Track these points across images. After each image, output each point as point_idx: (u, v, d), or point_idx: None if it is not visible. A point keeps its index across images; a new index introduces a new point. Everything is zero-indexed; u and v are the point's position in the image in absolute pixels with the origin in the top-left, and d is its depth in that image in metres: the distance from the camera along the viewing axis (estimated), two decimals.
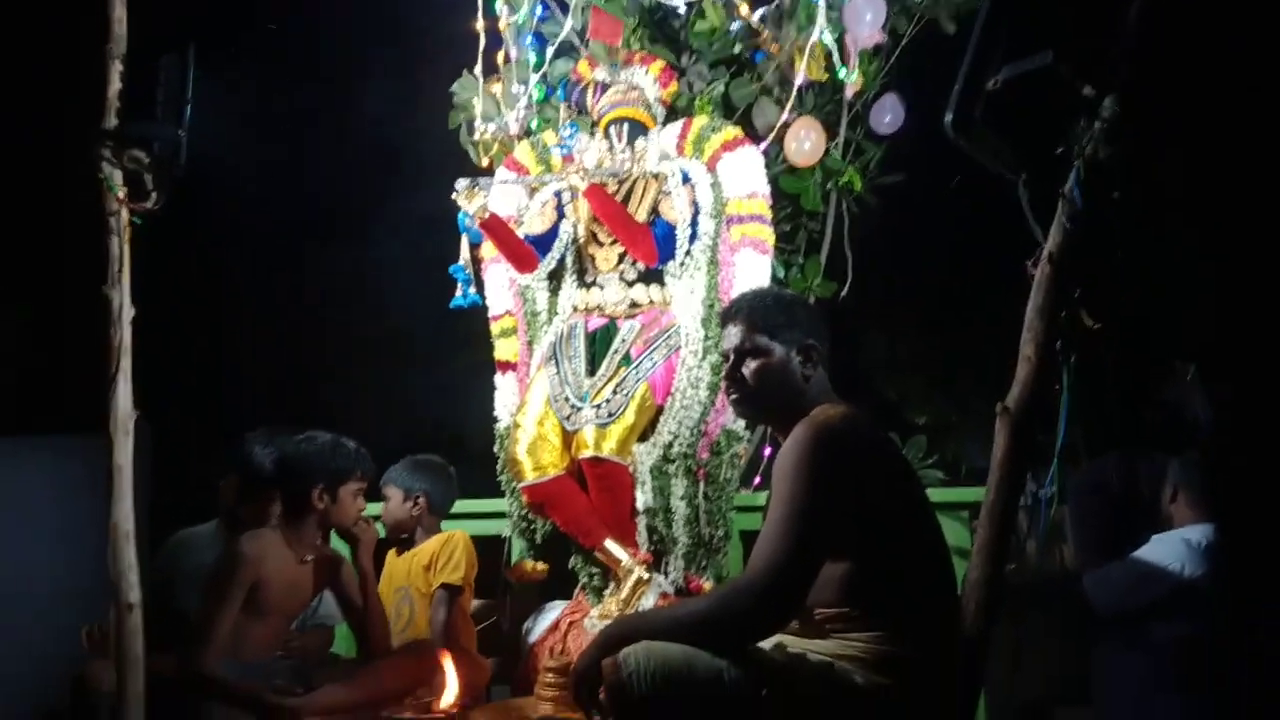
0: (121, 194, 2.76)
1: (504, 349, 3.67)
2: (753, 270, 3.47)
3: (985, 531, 2.11)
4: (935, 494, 3.34)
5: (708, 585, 3.10)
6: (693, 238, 3.46)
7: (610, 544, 3.16)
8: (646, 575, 3.10)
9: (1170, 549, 2.86)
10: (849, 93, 3.80)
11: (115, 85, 2.82)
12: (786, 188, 3.93)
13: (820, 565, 1.94)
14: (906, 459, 2.29)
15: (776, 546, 1.91)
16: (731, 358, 2.21)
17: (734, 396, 2.22)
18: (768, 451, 3.67)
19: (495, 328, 3.69)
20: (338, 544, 2.90)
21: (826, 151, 3.89)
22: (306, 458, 2.70)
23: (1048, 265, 2.15)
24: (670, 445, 3.26)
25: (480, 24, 3.86)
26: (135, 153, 2.78)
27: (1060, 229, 2.15)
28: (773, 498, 2.02)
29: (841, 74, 3.65)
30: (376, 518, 3.24)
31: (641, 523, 3.20)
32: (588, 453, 3.18)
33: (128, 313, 2.72)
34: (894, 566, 1.96)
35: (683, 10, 3.83)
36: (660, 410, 3.32)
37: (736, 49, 3.88)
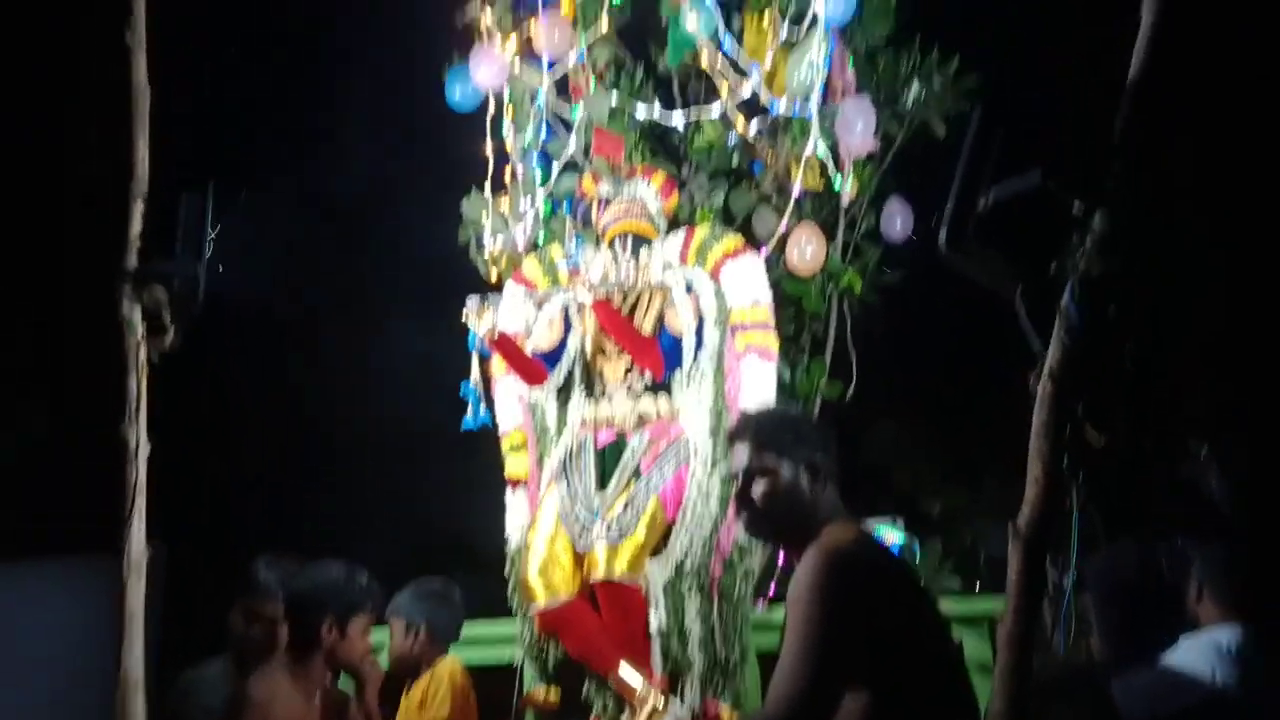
0: (141, 332, 2.82)
1: (514, 465, 3.66)
2: (758, 377, 3.49)
3: (1005, 657, 2.06)
4: (954, 604, 3.28)
5: (725, 710, 3.02)
6: (698, 347, 3.49)
7: (625, 669, 3.08)
8: (663, 703, 3.02)
9: (1200, 654, 2.77)
10: (845, 199, 3.88)
11: (137, 224, 2.91)
12: (789, 291, 3.98)
13: (839, 696, 1.88)
14: (919, 580, 2.24)
15: (793, 680, 1.86)
16: (740, 478, 2.19)
17: (744, 517, 2.19)
18: (782, 558, 3.61)
19: (505, 443, 3.69)
20: (345, 682, 2.83)
21: (826, 254, 3.96)
22: (316, 588, 2.65)
23: (1049, 382, 2.16)
24: (683, 561, 3.22)
25: (489, 146, 3.98)
26: (155, 290, 2.85)
27: (1059, 345, 2.16)
28: (787, 627, 1.97)
29: (837, 184, 3.74)
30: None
31: (656, 645, 3.14)
32: (599, 574, 3.14)
33: (144, 451, 2.75)
34: (912, 695, 1.90)
35: (681, 127, 3.96)
36: (672, 525, 3.29)
37: (734, 161, 3.99)
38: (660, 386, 3.48)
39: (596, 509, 3.28)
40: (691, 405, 3.48)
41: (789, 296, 3.98)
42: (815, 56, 3.51)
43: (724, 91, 3.71)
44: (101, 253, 2.91)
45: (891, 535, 4.49)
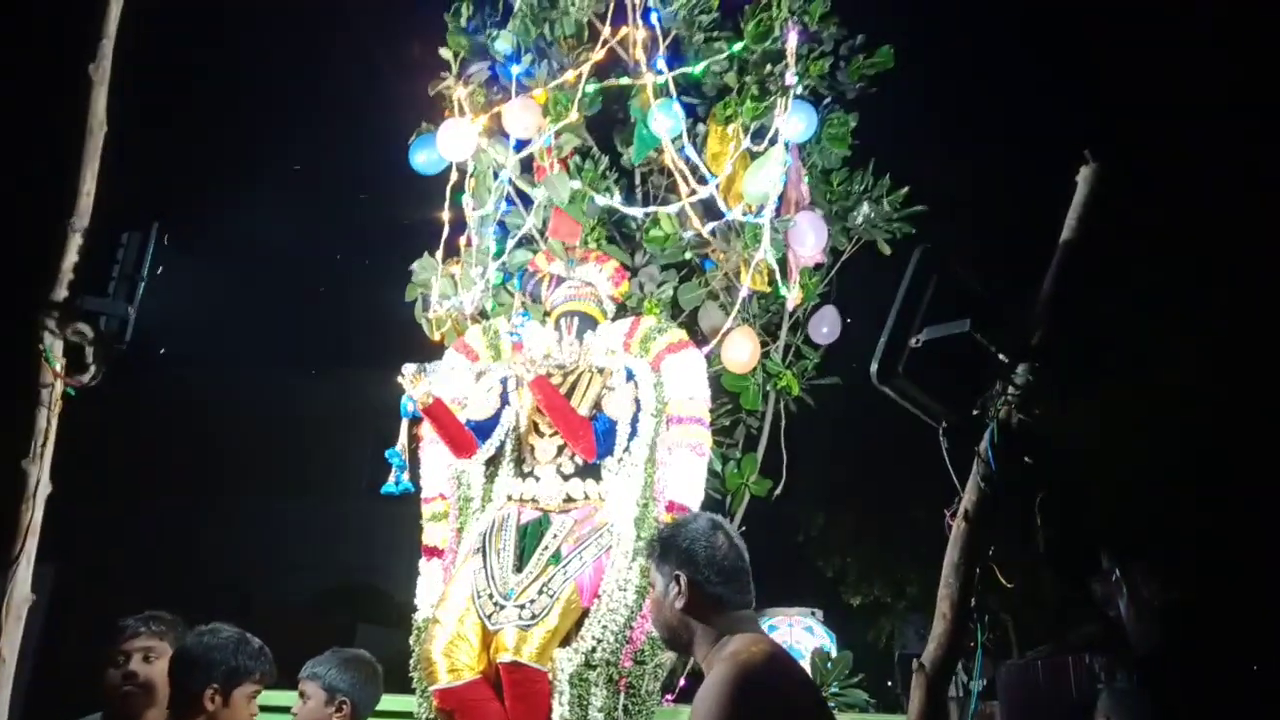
0: (59, 367, 2.71)
1: (433, 534, 3.58)
2: (689, 471, 3.49)
3: None
4: None
5: None
6: (632, 435, 3.48)
7: None
8: None
9: None
10: (790, 304, 3.96)
11: (72, 257, 2.82)
12: (728, 386, 4.02)
13: None
14: (823, 699, 2.22)
15: None
16: None
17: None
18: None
19: (426, 511, 3.61)
20: None
21: (767, 355, 4.02)
22: (205, 652, 2.51)
23: (963, 522, 2.19)
24: (593, 651, 3.14)
25: (446, 214, 3.97)
26: (80, 327, 2.75)
27: (975, 488, 2.20)
28: None
29: (783, 291, 3.81)
30: (280, 710, 3.01)
31: None
32: (507, 656, 3.05)
33: (44, 490, 2.61)
34: None
35: (640, 217, 4.01)
36: (586, 613, 3.22)
37: (687, 255, 4.05)
38: (590, 470, 3.45)
39: (511, 590, 3.20)
40: (619, 492, 3.45)
41: (728, 391, 4.02)
42: (774, 170, 3.60)
43: (683, 191, 3.78)
44: (29, 283, 2.81)
45: (813, 636, 4.46)
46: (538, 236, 3.98)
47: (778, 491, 4.15)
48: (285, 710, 2.99)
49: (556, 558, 3.26)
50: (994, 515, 2.22)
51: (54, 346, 2.74)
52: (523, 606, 3.13)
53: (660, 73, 3.72)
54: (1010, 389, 2.20)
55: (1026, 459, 2.18)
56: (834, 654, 3.99)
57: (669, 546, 2.11)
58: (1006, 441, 2.21)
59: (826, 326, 3.97)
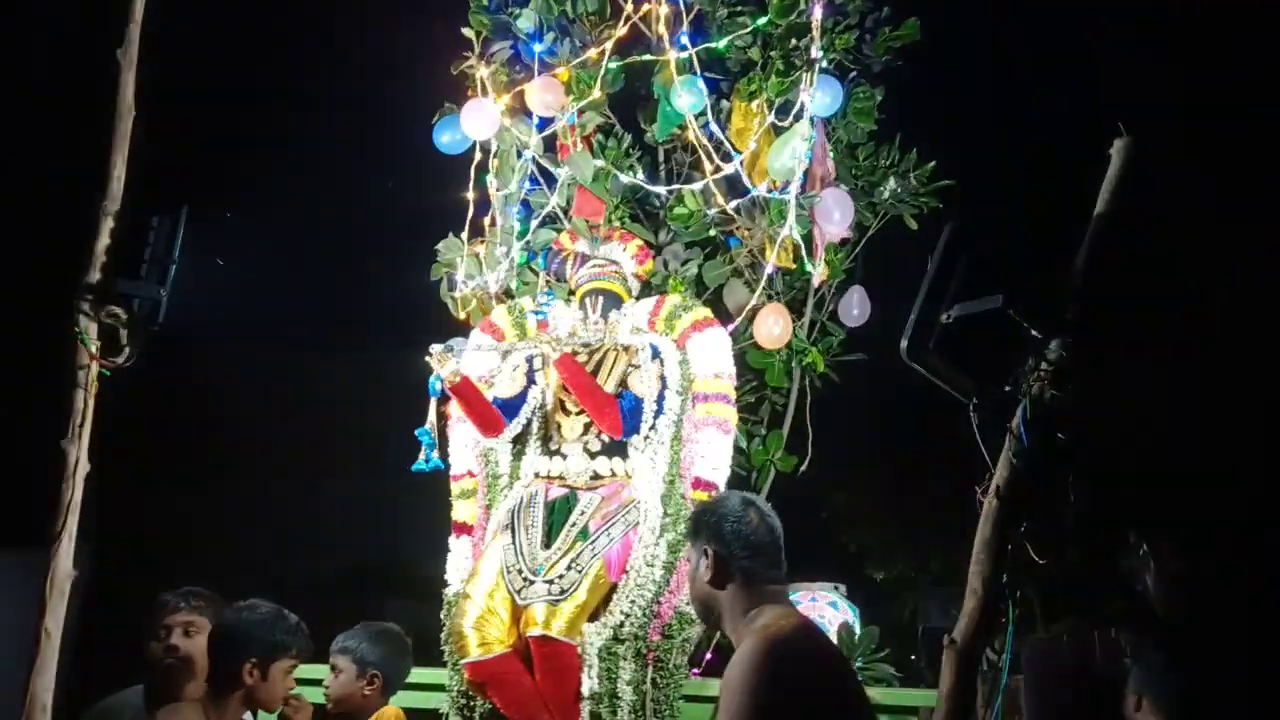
0: (94, 349, 2.74)
1: (462, 510, 3.60)
2: (715, 448, 3.49)
3: None
4: (887, 695, 3.26)
5: None
6: (658, 413, 3.48)
7: None
8: None
9: None
10: (815, 281, 3.93)
11: (104, 240, 2.84)
12: (753, 363, 4.01)
13: None
14: (851, 672, 2.24)
15: None
16: None
17: None
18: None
19: (455, 488, 3.63)
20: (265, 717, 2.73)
21: (792, 333, 3.99)
22: (243, 627, 2.57)
23: (994, 499, 2.17)
24: (621, 625, 3.17)
25: (470, 194, 3.97)
26: (114, 309, 2.78)
27: (1007, 464, 2.18)
28: (720, 710, 1.96)
29: (808, 267, 3.78)
30: (312, 684, 3.06)
31: (585, 708, 3.07)
32: (536, 630, 3.08)
33: (82, 469, 2.66)
34: None
35: (664, 194, 3.98)
36: (614, 588, 3.25)
37: (711, 232, 4.02)
38: (616, 448, 3.46)
39: (540, 565, 3.22)
40: (646, 469, 3.46)
41: (753, 368, 4.00)
42: (799, 145, 3.56)
43: (707, 168, 3.74)
44: (64, 266, 2.84)
45: (837, 611, 4.46)
46: (562, 215, 3.96)
47: (803, 468, 4.14)
48: (318, 683, 3.05)
49: (584, 534, 3.27)
50: (1026, 492, 2.20)
51: (89, 329, 2.77)
52: (551, 582, 3.16)
53: (683, 49, 3.67)
54: (1043, 364, 2.17)
55: (1060, 435, 2.15)
56: (858, 629, 4.01)
57: (701, 523, 2.17)
58: (1039, 417, 2.18)
59: (856, 309, 3.94)
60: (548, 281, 3.97)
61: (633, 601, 3.21)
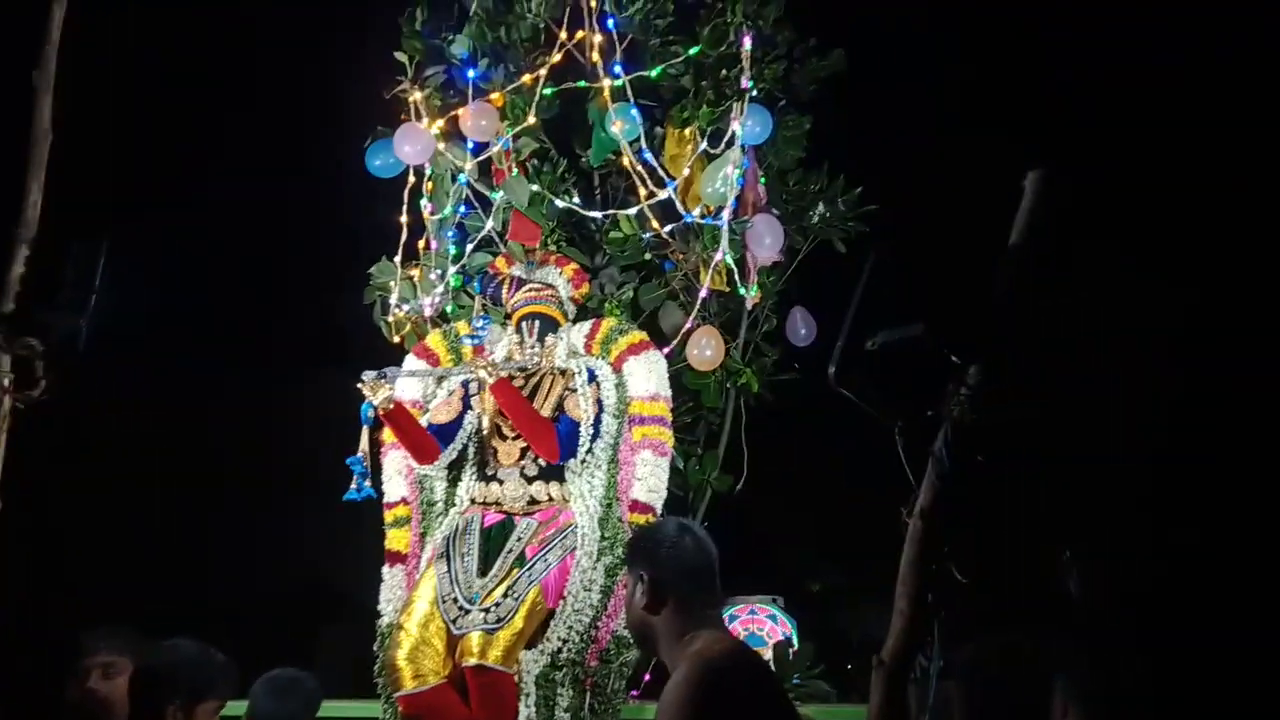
0: (7, 382, 2.62)
1: (395, 539, 3.56)
2: (652, 471, 3.51)
3: None
4: (822, 713, 3.32)
5: None
6: (595, 436, 3.48)
7: None
8: None
9: None
10: (749, 304, 3.99)
11: (19, 268, 2.73)
12: (689, 384, 4.04)
13: None
14: (783, 694, 2.26)
15: None
16: None
17: None
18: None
19: (389, 516, 3.58)
20: None
21: (727, 353, 4.04)
22: (167, 668, 2.46)
23: (919, 520, 2.23)
24: (559, 651, 3.16)
25: (404, 218, 3.94)
26: (29, 340, 2.67)
27: (930, 486, 2.24)
28: None
29: (742, 290, 3.84)
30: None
31: None
32: (472, 660, 3.05)
33: None
34: None
35: (599, 218, 4.01)
36: (551, 614, 3.23)
37: (647, 256, 4.06)
38: (553, 472, 3.45)
39: (476, 594, 3.20)
40: (583, 493, 3.46)
41: (689, 389, 4.04)
42: (730, 172, 3.62)
43: (641, 194, 3.78)
44: None
45: (776, 623, 4.52)
46: (497, 239, 3.95)
47: (739, 487, 4.19)
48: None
49: (521, 560, 3.26)
50: (949, 511, 2.26)
51: (1, 361, 2.65)
52: (488, 610, 3.14)
53: (617, 77, 3.71)
54: (963, 389, 2.24)
55: (979, 457, 2.22)
56: (795, 638, 4.07)
57: (636, 549, 2.18)
58: (960, 440, 2.25)
59: (804, 329, 4.01)
60: (483, 305, 3.95)
61: (570, 627, 3.20)
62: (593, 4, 3.78)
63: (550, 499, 3.42)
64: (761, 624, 4.74)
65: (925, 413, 2.29)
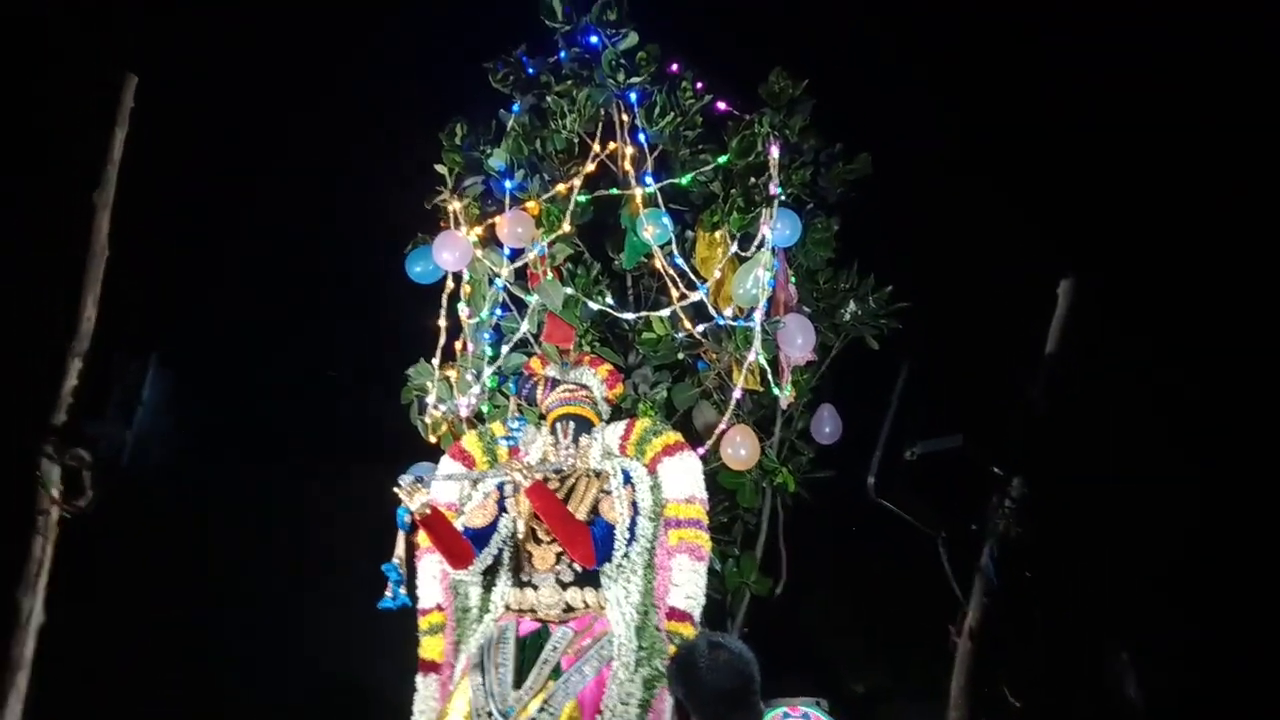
0: (56, 493, 2.67)
1: (430, 647, 3.49)
2: (689, 576, 3.42)
3: None
4: None
5: None
6: (631, 540, 3.41)
7: None
8: None
9: None
10: (784, 403, 3.96)
11: (71, 382, 2.82)
12: (725, 483, 3.98)
13: None
14: None
15: None
16: None
17: None
18: None
19: (423, 623, 3.53)
20: None
21: (762, 452, 3.99)
22: None
23: (968, 640, 2.15)
24: None
25: (442, 321, 4.00)
26: (78, 451, 2.73)
27: (978, 604, 2.17)
28: None
29: (775, 391, 3.82)
30: None
31: None
32: None
33: (36, 621, 2.55)
34: None
35: (632, 319, 4.04)
36: None
37: (680, 356, 4.07)
38: (589, 577, 3.37)
39: (510, 707, 3.10)
40: (619, 600, 3.37)
41: (725, 488, 3.98)
42: (761, 274, 3.65)
43: (673, 295, 3.82)
44: (26, 406, 2.79)
45: None
46: (532, 340, 3.98)
47: (778, 590, 4.08)
48: None
49: (557, 672, 3.17)
50: (999, 631, 2.18)
51: (51, 472, 2.71)
52: None
53: (648, 185, 3.80)
54: (1007, 501, 2.19)
55: (1027, 573, 2.16)
56: None
57: (671, 675, 2.13)
58: (1006, 555, 2.19)
59: (829, 427, 3.96)
60: (519, 406, 3.96)
61: None
62: (624, 118, 3.90)
63: (586, 606, 3.34)
64: None
65: (969, 525, 2.24)
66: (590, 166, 3.90)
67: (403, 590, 3.28)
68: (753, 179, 3.76)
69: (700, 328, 3.86)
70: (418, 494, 3.29)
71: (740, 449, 3.78)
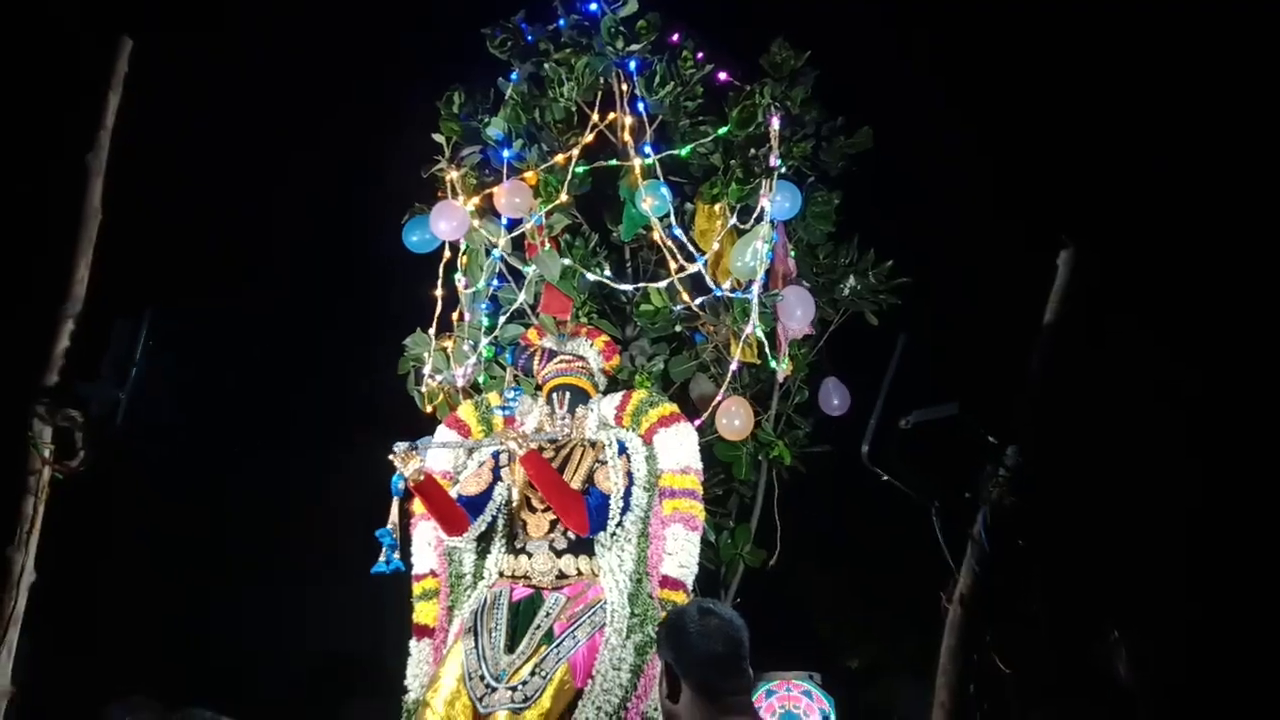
0: (47, 454, 2.65)
1: (423, 612, 3.50)
2: (683, 545, 3.42)
3: None
4: None
5: None
6: (625, 509, 3.41)
7: None
8: None
9: None
10: (780, 377, 3.93)
11: (63, 343, 2.78)
12: (720, 456, 3.97)
13: None
14: None
15: None
16: None
17: None
18: None
19: (416, 588, 3.53)
20: None
21: (759, 424, 3.97)
22: None
23: (959, 607, 2.13)
24: None
25: (438, 291, 3.97)
26: (70, 412, 2.70)
27: (970, 571, 2.15)
28: None
29: (773, 364, 3.79)
30: None
31: None
32: None
33: (27, 578, 2.53)
34: None
35: (630, 291, 4.00)
36: (580, 694, 3.12)
37: (677, 328, 4.03)
38: (583, 545, 3.38)
39: (503, 671, 3.11)
40: (612, 568, 3.37)
41: (720, 461, 3.96)
42: (760, 247, 3.61)
43: (671, 267, 3.78)
44: (19, 367, 2.76)
45: (812, 700, 4.34)
46: (529, 312, 3.96)
47: (772, 562, 4.07)
48: None
49: (549, 637, 3.18)
50: (989, 598, 2.16)
51: (42, 432, 2.68)
52: (515, 689, 3.05)
53: (647, 156, 3.75)
54: (1001, 471, 2.16)
55: (1020, 541, 2.13)
56: (833, 715, 3.91)
57: (660, 638, 2.10)
58: (999, 523, 2.16)
59: (837, 399, 3.93)
60: (515, 376, 3.94)
61: (598, 708, 3.09)
62: (624, 88, 3.84)
63: (579, 573, 3.34)
64: (798, 701, 4.56)
65: (962, 494, 2.21)
66: (589, 137, 3.85)
67: (396, 555, 3.28)
68: (753, 151, 3.70)
69: (698, 300, 3.83)
70: (412, 460, 3.28)
71: (735, 419, 3.76)
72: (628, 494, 3.41)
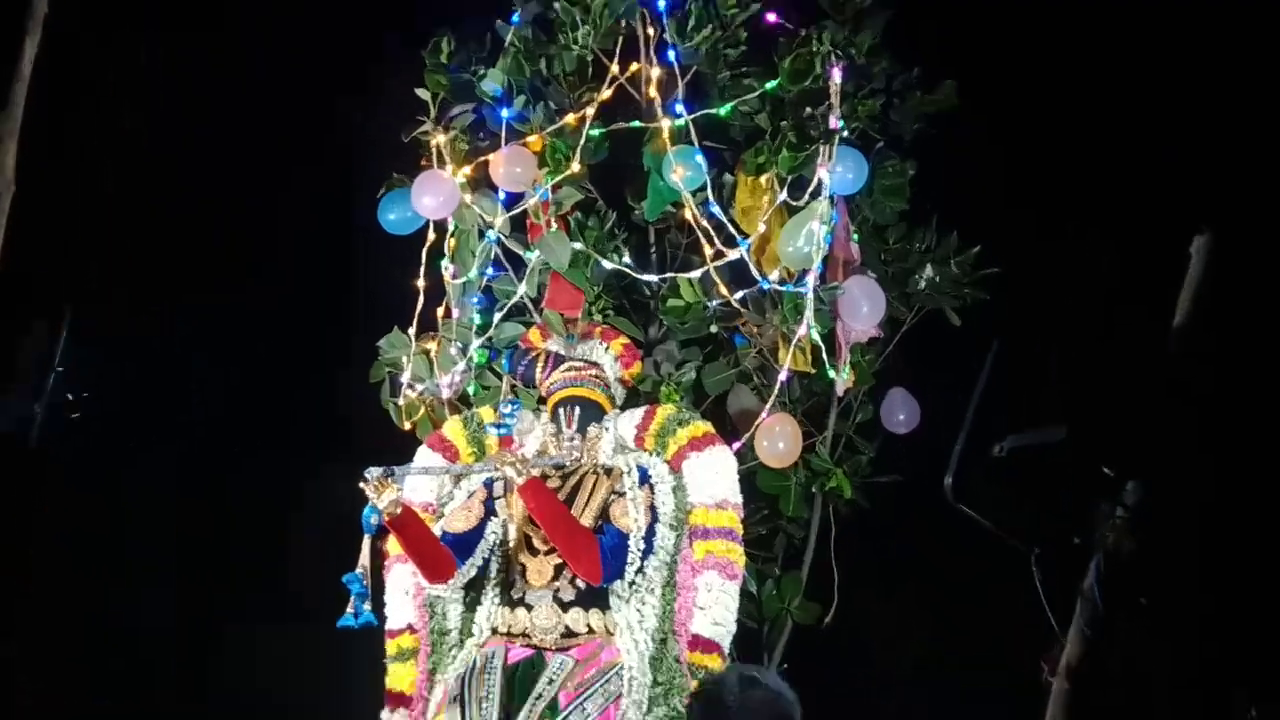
0: None
1: (398, 677, 3.55)
2: (717, 598, 3.47)
3: None
4: None
5: None
6: (647, 553, 3.46)
7: None
8: None
9: None
10: (840, 389, 3.94)
11: None
12: (765, 487, 4.00)
13: None
14: None
15: None
16: None
17: None
18: None
19: (391, 647, 3.59)
20: None
21: (813, 449, 3.98)
22: None
23: (1064, 679, 2.13)
24: None
25: (420, 282, 4.01)
26: None
27: (1079, 635, 2.15)
28: None
29: (831, 373, 3.80)
30: None
31: None
32: None
33: None
34: None
35: (655, 283, 4.03)
36: None
37: (713, 329, 4.06)
38: (595, 596, 3.41)
39: None
40: (631, 625, 3.41)
41: (764, 493, 3.98)
42: (816, 228, 3.62)
43: (706, 254, 3.80)
44: None
45: None
46: (531, 307, 4.00)
47: (828, 619, 4.08)
48: None
49: (553, 709, 3.22)
50: (1103, 668, 2.15)
51: None
52: None
53: (679, 115, 3.78)
54: (1119, 510, 2.16)
55: (1141, 598, 2.13)
56: None
57: (693, 714, 2.16)
58: (1115, 575, 2.16)
59: (903, 413, 3.96)
60: (513, 387, 3.98)
61: None
62: (650, 32, 3.87)
63: (590, 631, 3.39)
64: None
65: (1070, 538, 2.21)
66: (607, 93, 3.88)
67: (367, 606, 3.30)
68: (808, 109, 3.72)
69: (739, 294, 3.86)
70: (387, 490, 3.30)
71: (778, 441, 3.78)
72: (650, 533, 3.46)
